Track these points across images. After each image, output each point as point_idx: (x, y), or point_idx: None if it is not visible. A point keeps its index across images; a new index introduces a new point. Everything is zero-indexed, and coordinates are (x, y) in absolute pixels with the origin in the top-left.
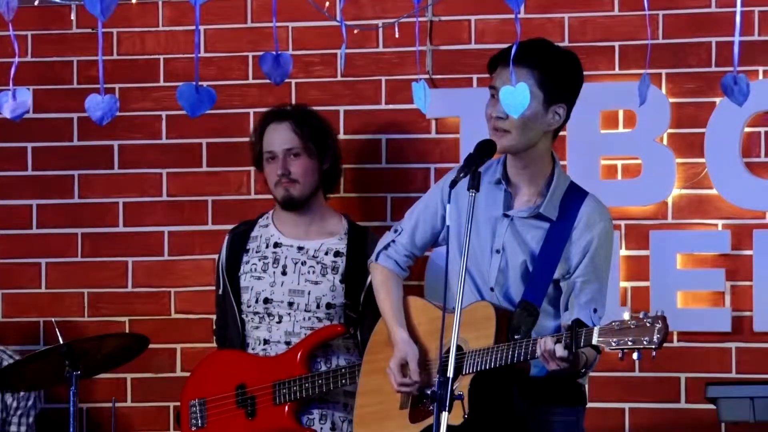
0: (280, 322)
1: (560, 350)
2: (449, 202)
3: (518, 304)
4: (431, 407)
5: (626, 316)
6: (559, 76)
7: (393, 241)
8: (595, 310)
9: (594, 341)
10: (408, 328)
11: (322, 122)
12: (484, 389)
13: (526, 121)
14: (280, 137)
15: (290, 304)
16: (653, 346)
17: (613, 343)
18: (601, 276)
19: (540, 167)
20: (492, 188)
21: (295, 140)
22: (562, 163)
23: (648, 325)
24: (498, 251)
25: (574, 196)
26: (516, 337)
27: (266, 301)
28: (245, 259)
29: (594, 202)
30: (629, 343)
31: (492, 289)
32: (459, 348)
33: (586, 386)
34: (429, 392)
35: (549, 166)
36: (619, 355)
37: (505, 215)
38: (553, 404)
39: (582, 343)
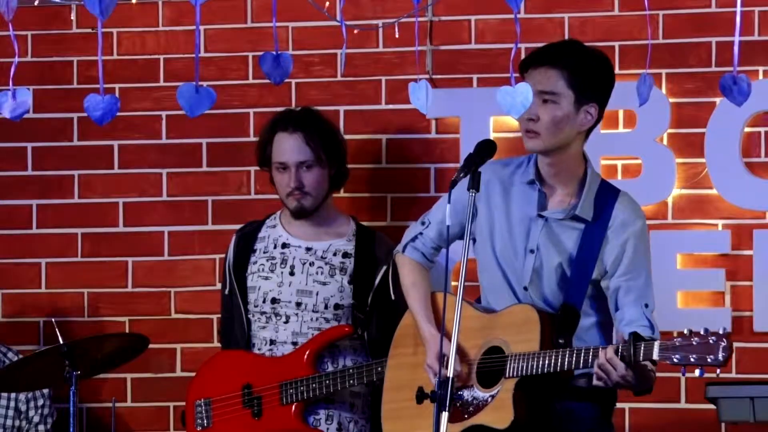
0: (287, 322)
1: (615, 359)
2: (449, 202)
3: (560, 308)
4: (471, 408)
5: (686, 331)
6: (588, 75)
7: (421, 233)
8: (646, 305)
9: (655, 356)
10: (438, 325)
11: (330, 127)
12: (528, 393)
13: (558, 122)
14: (292, 149)
15: (298, 304)
16: (718, 365)
17: (675, 359)
18: (643, 272)
19: (573, 168)
20: (525, 188)
21: (308, 153)
22: None
23: (711, 342)
24: (532, 251)
25: (607, 194)
26: (560, 341)
27: (273, 300)
28: (252, 259)
29: (627, 200)
30: (692, 359)
31: (525, 288)
32: (500, 350)
33: None
34: (429, 392)
35: (581, 166)
36: (682, 371)
37: (540, 216)
38: (584, 400)
39: (642, 357)
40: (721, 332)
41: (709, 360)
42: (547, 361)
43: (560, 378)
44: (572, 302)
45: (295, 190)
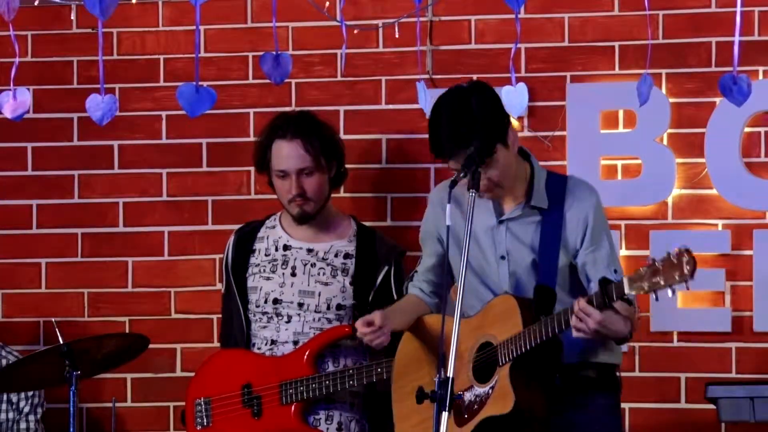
0: (289, 322)
1: (588, 308)
2: (449, 202)
3: (534, 290)
4: (476, 406)
5: (649, 260)
6: (494, 120)
7: (416, 271)
8: (615, 271)
9: (626, 291)
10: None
11: (328, 130)
12: (524, 373)
13: (505, 171)
14: (292, 157)
15: (300, 304)
16: (686, 280)
17: (646, 287)
18: (605, 241)
19: (519, 173)
20: (480, 201)
21: (308, 159)
22: (562, 163)
23: (675, 261)
24: (503, 257)
25: (556, 181)
26: (542, 317)
27: (275, 301)
28: (252, 259)
29: (576, 181)
30: (661, 282)
31: (506, 293)
32: (490, 344)
33: (619, 375)
34: (429, 392)
35: (524, 167)
36: (653, 297)
37: (500, 222)
38: (592, 390)
39: (615, 297)
40: (680, 249)
41: (676, 277)
42: (532, 335)
43: (551, 354)
44: (545, 283)
45: (297, 197)
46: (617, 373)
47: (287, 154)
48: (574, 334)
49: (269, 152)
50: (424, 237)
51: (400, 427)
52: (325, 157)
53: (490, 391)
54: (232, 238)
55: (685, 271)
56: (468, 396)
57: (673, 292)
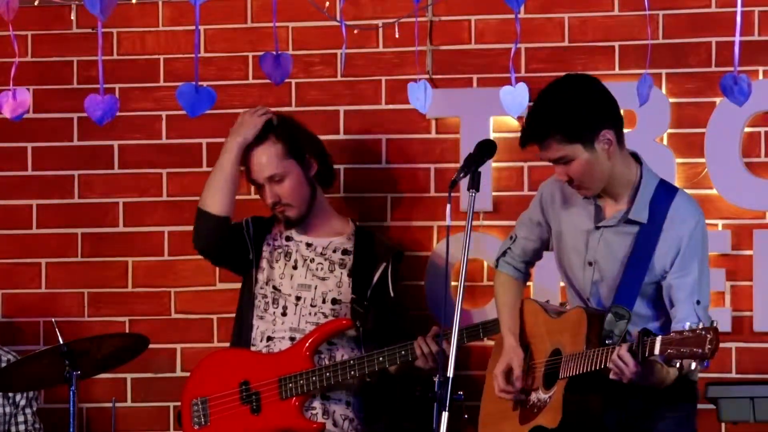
0: (285, 314)
1: (627, 356)
2: (449, 202)
3: (609, 308)
4: (536, 410)
5: (687, 325)
6: (579, 119)
7: (509, 248)
8: (698, 302)
9: (656, 351)
10: (521, 331)
11: (293, 131)
12: (577, 392)
13: (585, 171)
14: (258, 165)
15: (297, 298)
16: (705, 358)
17: (673, 353)
18: (695, 268)
19: (623, 180)
20: (583, 202)
21: (272, 166)
22: None
23: (702, 334)
24: (590, 263)
25: (664, 195)
26: (608, 342)
27: (275, 288)
28: (266, 242)
29: (683, 199)
30: (685, 353)
31: (588, 300)
32: (558, 352)
33: (696, 381)
34: (430, 394)
35: (633, 172)
36: (677, 364)
37: (597, 227)
38: (660, 403)
39: (647, 353)
40: (710, 325)
41: (698, 352)
42: (588, 361)
43: (606, 377)
44: (622, 303)
45: (276, 205)
46: (693, 383)
47: (254, 162)
48: (611, 376)
49: (249, 165)
50: (523, 221)
51: (483, 407)
52: (295, 158)
53: (548, 400)
54: (246, 220)
55: (706, 350)
56: (533, 398)
57: (697, 366)
